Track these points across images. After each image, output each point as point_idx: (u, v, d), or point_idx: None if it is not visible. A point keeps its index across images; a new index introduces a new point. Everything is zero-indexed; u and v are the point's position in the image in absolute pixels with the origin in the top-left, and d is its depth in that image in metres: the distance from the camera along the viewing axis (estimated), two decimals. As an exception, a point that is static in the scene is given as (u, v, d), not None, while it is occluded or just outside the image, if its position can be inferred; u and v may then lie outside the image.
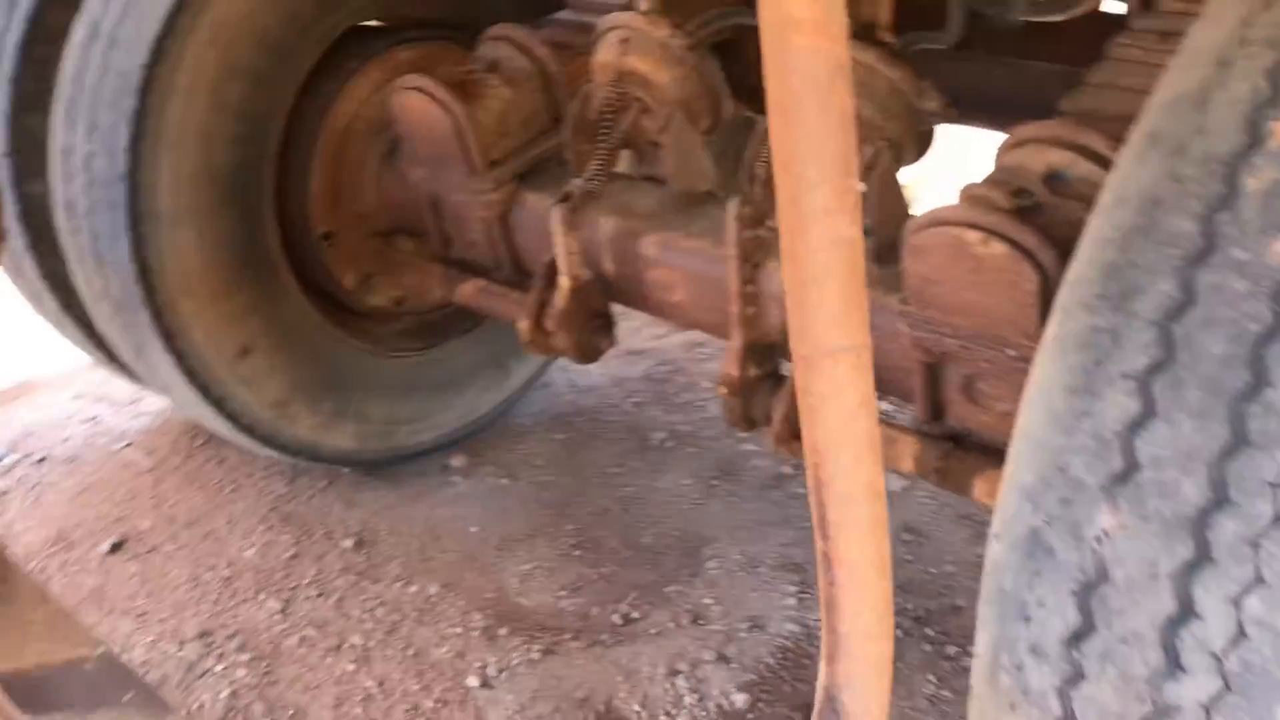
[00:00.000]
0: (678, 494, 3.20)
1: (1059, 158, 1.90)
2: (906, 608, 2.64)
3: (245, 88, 2.60)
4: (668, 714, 2.41)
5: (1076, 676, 1.25)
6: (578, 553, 2.97)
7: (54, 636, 2.03)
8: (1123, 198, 1.28)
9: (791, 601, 2.71)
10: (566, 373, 3.81)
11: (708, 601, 2.74)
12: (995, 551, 1.33)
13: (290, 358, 2.89)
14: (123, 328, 2.68)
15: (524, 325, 2.54)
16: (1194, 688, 1.16)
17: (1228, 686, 1.14)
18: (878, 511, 1.05)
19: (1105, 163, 1.87)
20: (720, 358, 3.86)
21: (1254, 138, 1.21)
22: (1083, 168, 1.88)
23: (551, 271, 2.50)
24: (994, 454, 1.98)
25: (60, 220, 2.66)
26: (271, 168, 2.74)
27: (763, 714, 2.39)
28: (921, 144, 2.21)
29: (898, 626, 2.63)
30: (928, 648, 2.56)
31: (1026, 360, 1.85)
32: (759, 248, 2.10)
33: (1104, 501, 1.22)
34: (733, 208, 2.03)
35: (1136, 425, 1.20)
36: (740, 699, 2.43)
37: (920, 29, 2.54)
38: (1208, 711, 1.15)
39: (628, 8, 2.59)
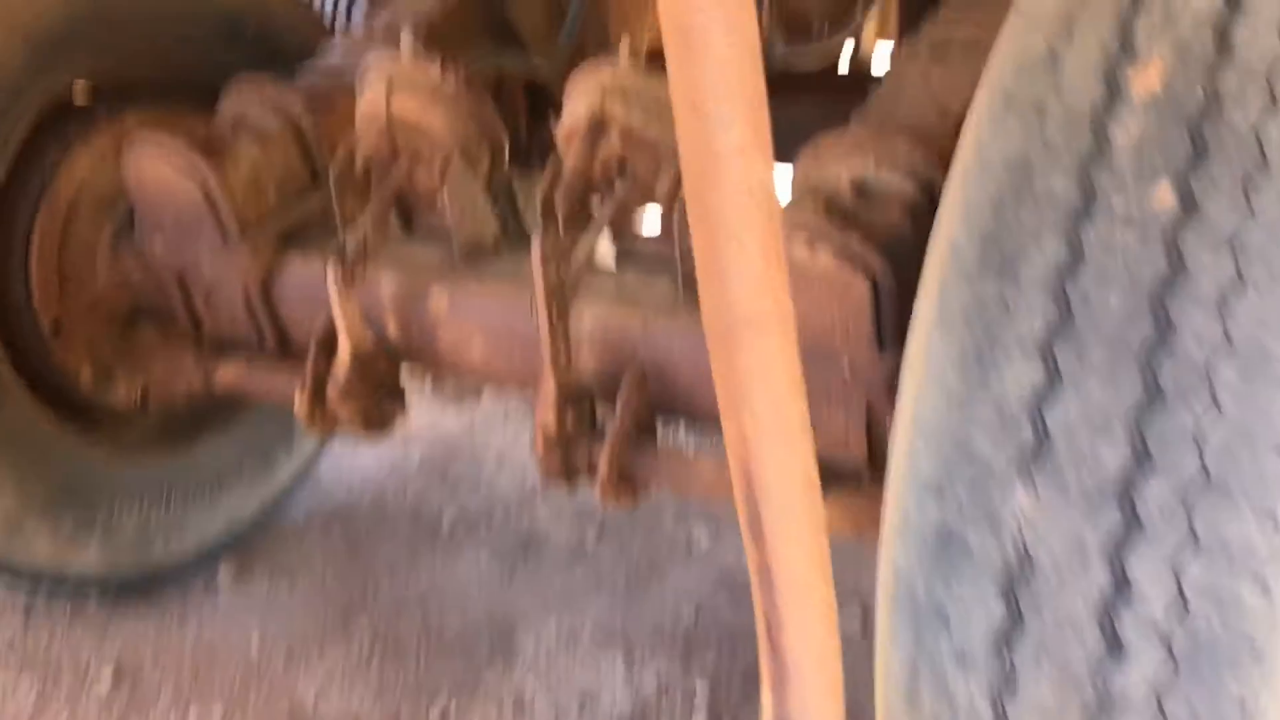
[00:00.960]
0: (478, 578, 2.97)
1: (863, 166, 1.87)
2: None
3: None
4: (506, 814, 2.17)
5: (1009, 678, 1.14)
6: (377, 654, 2.68)
7: None
8: (986, 162, 1.22)
9: (620, 671, 2.53)
10: (337, 465, 3.52)
11: (530, 685, 2.52)
12: (898, 557, 1.22)
13: (17, 470, 2.49)
14: None
15: (302, 402, 2.28)
16: (1139, 669, 1.08)
17: (1175, 664, 1.06)
18: (816, 507, 0.92)
19: (908, 171, 1.85)
20: (501, 429, 3.69)
21: (1113, 91, 1.18)
22: (888, 174, 1.86)
23: (329, 339, 2.27)
24: (835, 478, 1.89)
25: None
26: (-18, 253, 2.38)
27: (609, 796, 2.19)
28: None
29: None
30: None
31: (860, 376, 1.79)
32: (564, 289, 1.96)
33: (1018, 480, 1.13)
34: (537, 245, 1.88)
35: (1042, 394, 1.13)
36: (583, 784, 2.22)
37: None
38: (1157, 694, 1.07)
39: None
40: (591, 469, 2.04)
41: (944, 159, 1.91)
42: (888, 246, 1.72)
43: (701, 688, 2.48)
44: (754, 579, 0.92)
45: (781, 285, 0.86)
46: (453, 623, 2.76)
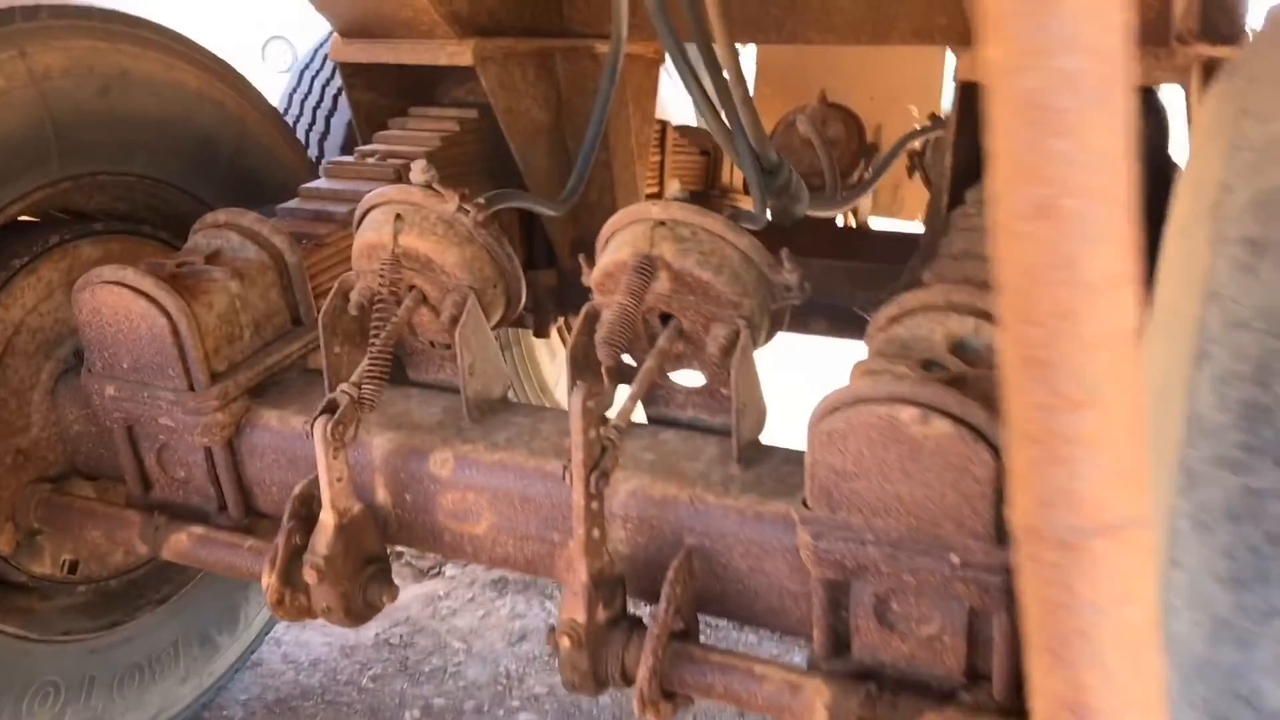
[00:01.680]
0: (448, 786, 2.56)
1: (961, 325, 1.62)
2: None
3: None
4: None
5: None
6: None
7: None
8: (1237, 320, 0.97)
9: None
10: (281, 646, 3.11)
11: None
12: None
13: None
14: None
15: (271, 583, 1.92)
16: None
17: None
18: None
19: (1013, 329, 1.61)
20: (468, 610, 3.32)
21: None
22: (990, 333, 1.61)
23: (307, 508, 1.93)
24: (924, 692, 1.58)
25: None
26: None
27: None
28: (774, 326, 1.88)
29: None
30: None
31: (972, 567, 1.50)
32: (606, 452, 1.66)
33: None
34: (580, 397, 1.59)
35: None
36: None
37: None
38: None
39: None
40: (624, 676, 1.70)
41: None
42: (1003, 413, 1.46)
43: None
44: None
45: (1146, 481, 0.58)
46: (423, 845, 2.35)
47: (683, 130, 3.72)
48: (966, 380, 1.54)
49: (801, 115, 3.47)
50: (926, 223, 2.52)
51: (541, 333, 3.18)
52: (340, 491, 1.88)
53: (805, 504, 1.57)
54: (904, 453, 1.45)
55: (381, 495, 1.97)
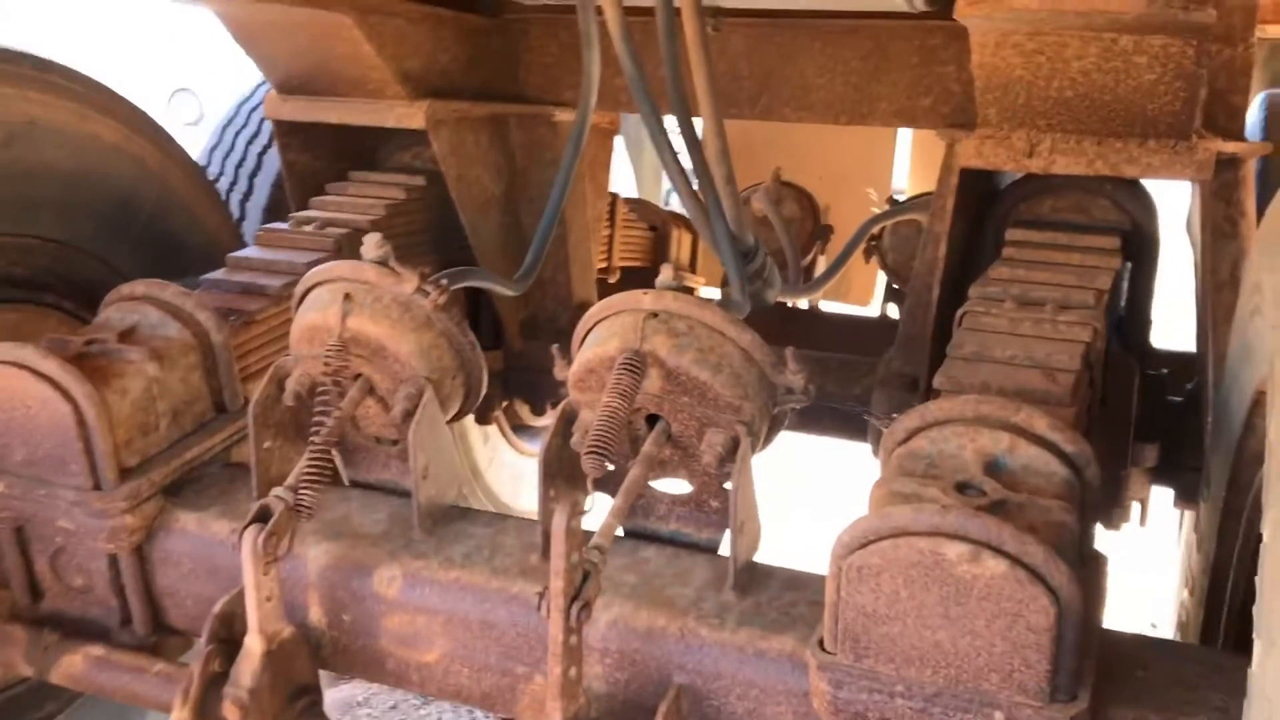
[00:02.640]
0: None
1: (994, 441, 1.45)
2: None
3: None
4: None
5: None
6: None
7: None
8: None
9: None
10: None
11: None
12: None
13: None
14: None
15: (183, 716, 1.64)
16: None
17: None
18: None
19: (1050, 446, 1.45)
20: None
21: None
22: (1026, 452, 1.44)
23: (228, 628, 1.66)
24: None
25: None
26: None
27: None
28: (773, 431, 1.69)
29: None
30: None
31: (1018, 725, 1.31)
32: (588, 579, 1.43)
33: None
34: (563, 517, 1.36)
35: None
36: None
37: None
38: None
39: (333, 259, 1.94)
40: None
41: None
42: (1063, 552, 1.28)
43: None
44: None
45: None
46: None
47: (631, 204, 3.55)
48: (1009, 508, 1.36)
49: (756, 193, 3.32)
50: (905, 314, 2.37)
51: (484, 420, 2.95)
52: (270, 613, 1.62)
53: (823, 646, 1.36)
54: (948, 594, 1.26)
55: (316, 615, 1.72)
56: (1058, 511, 1.36)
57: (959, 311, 1.84)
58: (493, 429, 3.58)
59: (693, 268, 3.83)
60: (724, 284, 2.21)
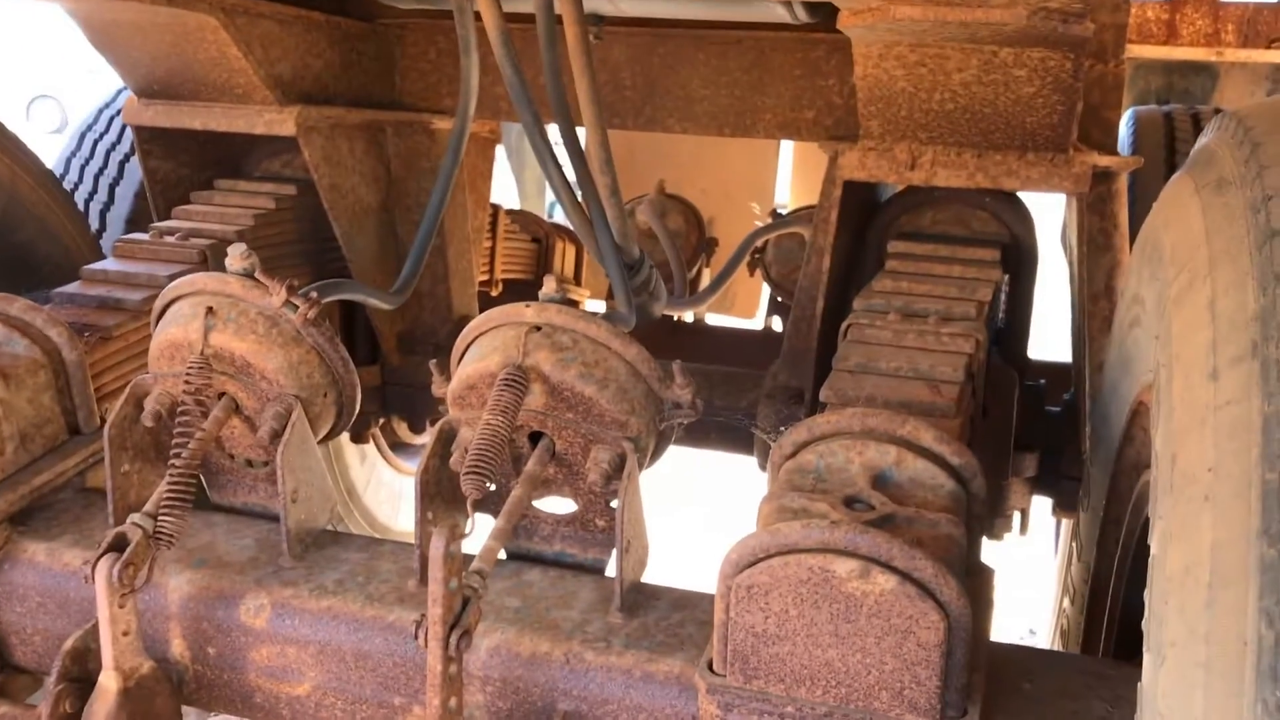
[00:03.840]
0: None
1: (880, 455, 1.43)
2: None
3: None
4: None
5: None
6: None
7: None
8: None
9: None
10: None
11: None
12: None
13: None
14: None
15: (29, 761, 1.52)
16: None
17: None
18: None
19: (936, 458, 1.44)
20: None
21: None
22: (914, 465, 1.43)
23: (81, 665, 1.55)
24: None
25: None
26: None
27: None
28: (659, 447, 1.65)
29: None
30: None
31: None
32: (468, 605, 1.37)
33: None
34: (441, 542, 1.30)
35: None
36: None
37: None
38: None
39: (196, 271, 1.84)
40: None
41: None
42: (949, 565, 1.26)
43: None
44: None
45: None
46: None
47: (514, 215, 3.49)
48: (897, 522, 1.34)
49: (641, 205, 3.29)
50: (790, 327, 2.36)
51: (360, 438, 2.85)
52: (127, 647, 1.51)
53: (712, 668, 1.32)
54: (838, 612, 1.23)
55: (178, 649, 1.61)
56: (945, 525, 1.34)
57: (844, 324, 1.83)
58: (370, 448, 3.47)
59: (577, 280, 3.78)
60: (609, 297, 2.17)
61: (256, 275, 1.66)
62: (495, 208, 3.27)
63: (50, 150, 3.23)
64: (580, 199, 2.02)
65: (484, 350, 1.55)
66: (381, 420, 2.84)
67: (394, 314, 2.62)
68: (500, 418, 1.47)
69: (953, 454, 1.44)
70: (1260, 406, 0.93)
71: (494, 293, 3.32)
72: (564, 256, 3.64)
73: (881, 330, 1.77)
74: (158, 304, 1.74)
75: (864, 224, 2.24)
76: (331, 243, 2.45)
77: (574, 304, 1.58)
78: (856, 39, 1.76)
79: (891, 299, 1.87)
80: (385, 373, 2.68)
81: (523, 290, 3.45)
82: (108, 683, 1.52)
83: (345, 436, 3.53)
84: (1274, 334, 0.97)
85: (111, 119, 3.21)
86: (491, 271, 3.31)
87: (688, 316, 3.62)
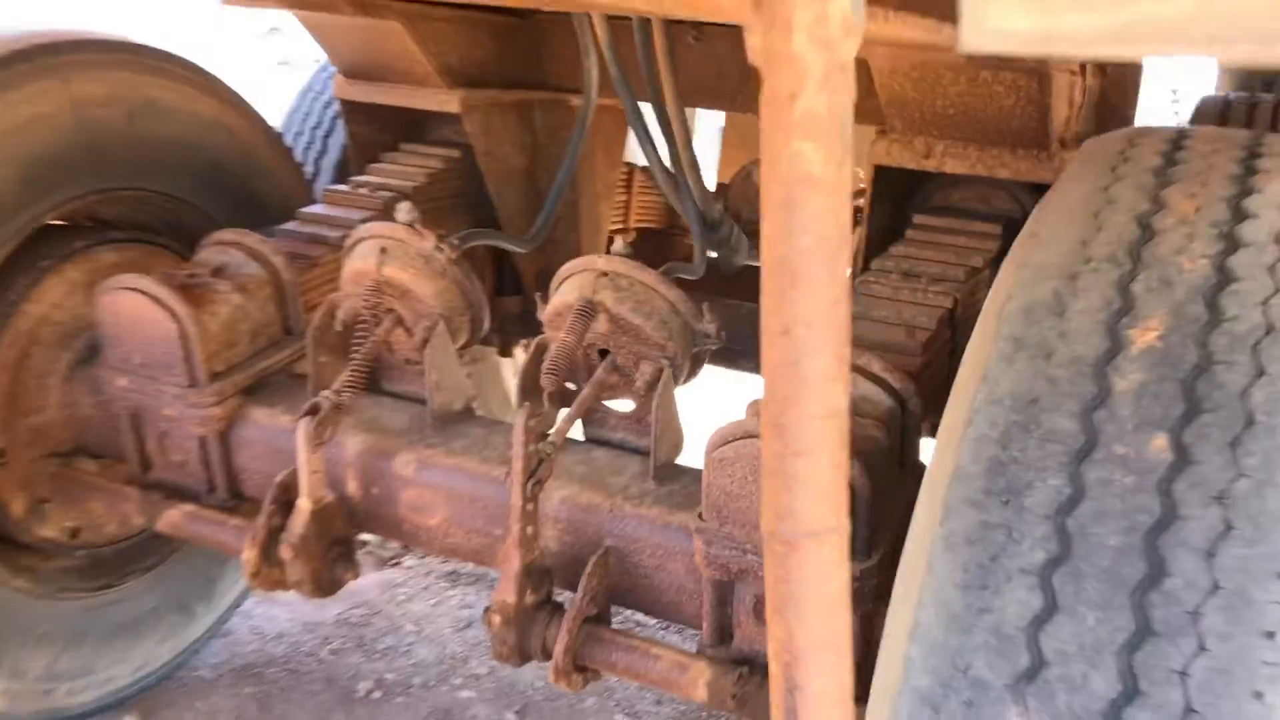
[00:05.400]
0: (393, 750, 2.88)
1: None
2: None
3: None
4: None
5: None
6: (285, 824, 2.57)
7: None
8: (994, 397, 1.32)
9: None
10: (250, 619, 3.42)
11: None
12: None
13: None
14: None
15: (250, 555, 2.24)
16: None
17: None
18: (853, 717, 0.95)
19: (884, 384, 1.96)
20: (422, 597, 3.64)
21: (1115, 344, 1.29)
22: (863, 387, 1.96)
23: (287, 493, 2.25)
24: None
25: None
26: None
27: None
28: (695, 366, 2.22)
29: None
30: None
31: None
32: (542, 463, 1.99)
33: (1011, 701, 1.18)
34: (521, 420, 1.92)
35: (1040, 620, 1.19)
36: None
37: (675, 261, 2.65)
38: None
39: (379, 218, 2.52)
40: (545, 651, 2.04)
41: (912, 375, 2.03)
42: (867, 456, 1.80)
43: None
44: (787, 786, 0.95)
45: (844, 503, 0.92)
46: (367, 797, 2.66)
47: (648, 173, 4.06)
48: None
49: (756, 167, 3.81)
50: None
51: (505, 353, 3.51)
52: (316, 482, 2.20)
53: (700, 517, 1.90)
54: (778, 480, 1.79)
55: (352, 487, 2.29)
56: (872, 428, 1.88)
57: (856, 280, 2.35)
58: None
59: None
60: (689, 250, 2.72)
61: (416, 226, 2.31)
62: (630, 167, 3.85)
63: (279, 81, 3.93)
64: (668, 169, 2.58)
65: (567, 288, 2.16)
66: (524, 340, 3.50)
67: (533, 255, 3.25)
68: (572, 338, 2.07)
69: (896, 380, 1.96)
70: None
71: (629, 239, 3.92)
72: (692, 209, 4.20)
73: (883, 287, 2.28)
74: (349, 241, 2.41)
75: (905, 199, 2.72)
76: (487, 196, 3.09)
77: (634, 259, 2.17)
78: (871, 61, 2.26)
79: (900, 262, 2.37)
80: (526, 302, 3.32)
81: (654, 237, 4.03)
82: (303, 505, 2.22)
83: (503, 360, 4.22)
84: None
85: (326, 81, 3.93)
86: (626, 221, 3.90)
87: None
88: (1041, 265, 1.41)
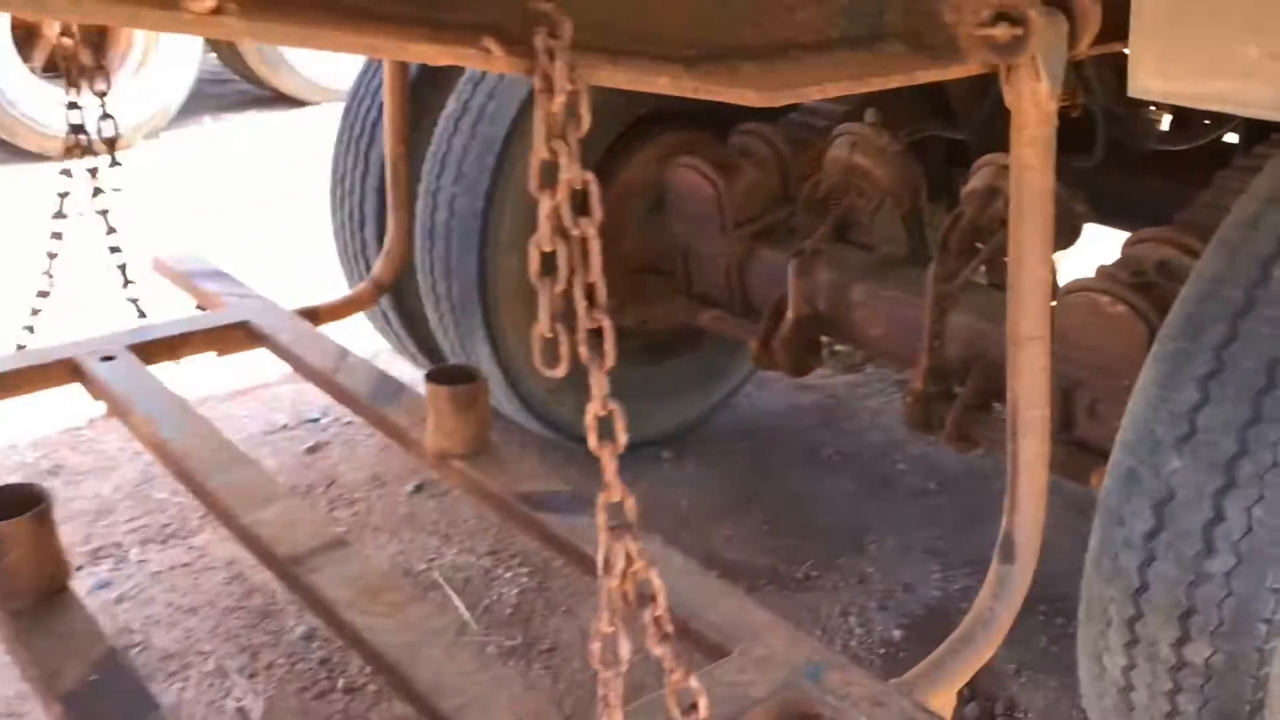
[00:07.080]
0: (843, 495, 4.04)
1: (1169, 252, 2.73)
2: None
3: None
4: (843, 641, 3.25)
5: (1150, 559, 2.07)
6: (765, 528, 3.82)
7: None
8: (1200, 275, 2.13)
9: (937, 576, 3.53)
10: (750, 399, 4.69)
11: (870, 570, 3.58)
12: (1106, 484, 2.17)
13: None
14: (455, 325, 3.65)
15: (755, 345, 3.43)
16: (1219, 563, 1.98)
17: (1239, 560, 1.96)
18: (1046, 420, 1.93)
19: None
20: (876, 397, 4.74)
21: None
22: (1185, 260, 2.71)
23: (780, 307, 3.39)
24: (1105, 456, 2.78)
25: (419, 241, 3.66)
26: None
27: (913, 646, 3.20)
28: (1072, 235, 3.05)
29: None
30: (1041, 618, 3.33)
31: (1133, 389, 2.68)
32: (947, 298, 2.96)
33: (1173, 452, 2.05)
34: (933, 268, 2.90)
35: (1198, 407, 2.04)
36: (897, 634, 3.26)
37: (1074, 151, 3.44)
38: (1227, 578, 1.97)
39: (848, 116, 3.53)
40: (942, 424, 3.04)
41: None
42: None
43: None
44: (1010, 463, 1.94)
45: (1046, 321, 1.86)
46: (820, 520, 3.85)
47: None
48: (1154, 286, 2.66)
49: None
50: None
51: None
52: (798, 301, 3.33)
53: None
54: (1101, 321, 2.63)
55: (822, 305, 3.38)
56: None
57: (1220, 174, 3.01)
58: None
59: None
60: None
61: (877, 125, 3.29)
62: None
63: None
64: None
65: (978, 177, 3.06)
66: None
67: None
68: (975, 212, 3.00)
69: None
70: None
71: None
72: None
73: (1231, 180, 2.94)
74: (831, 136, 3.44)
75: None
76: (944, 93, 3.96)
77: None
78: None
79: (1252, 161, 3.00)
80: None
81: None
82: (790, 316, 3.36)
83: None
84: None
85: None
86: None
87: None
88: (1255, 192, 2.16)
